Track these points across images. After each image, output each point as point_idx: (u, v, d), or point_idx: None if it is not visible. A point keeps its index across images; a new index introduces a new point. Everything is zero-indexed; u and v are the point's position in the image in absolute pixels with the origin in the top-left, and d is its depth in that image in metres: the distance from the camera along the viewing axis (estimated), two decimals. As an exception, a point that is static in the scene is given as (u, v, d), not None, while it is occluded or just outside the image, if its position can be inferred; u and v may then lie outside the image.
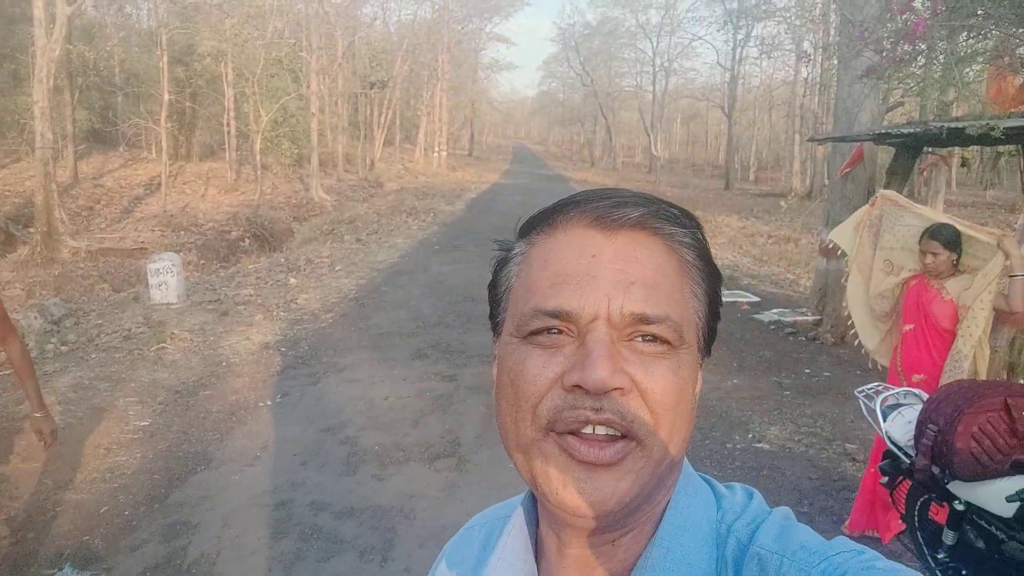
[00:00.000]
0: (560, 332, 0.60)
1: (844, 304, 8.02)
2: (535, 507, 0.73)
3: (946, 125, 5.98)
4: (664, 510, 0.64)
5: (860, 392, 3.52)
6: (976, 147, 8.32)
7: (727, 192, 32.68)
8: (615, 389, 0.57)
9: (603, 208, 0.62)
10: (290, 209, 20.29)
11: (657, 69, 45.62)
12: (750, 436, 5.24)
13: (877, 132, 7.40)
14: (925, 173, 9.06)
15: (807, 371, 6.94)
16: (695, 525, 0.63)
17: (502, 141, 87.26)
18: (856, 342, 4.37)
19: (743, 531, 0.62)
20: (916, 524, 3.27)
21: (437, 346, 7.28)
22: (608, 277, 0.60)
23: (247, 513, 4.03)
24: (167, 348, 7.03)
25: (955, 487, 2.87)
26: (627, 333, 0.59)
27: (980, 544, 2.87)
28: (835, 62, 10.15)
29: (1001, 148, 7.64)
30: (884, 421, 3.27)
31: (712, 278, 0.66)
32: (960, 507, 2.89)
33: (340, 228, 16.03)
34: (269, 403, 5.71)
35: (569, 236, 0.63)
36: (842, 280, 5.09)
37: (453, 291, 9.71)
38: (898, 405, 3.33)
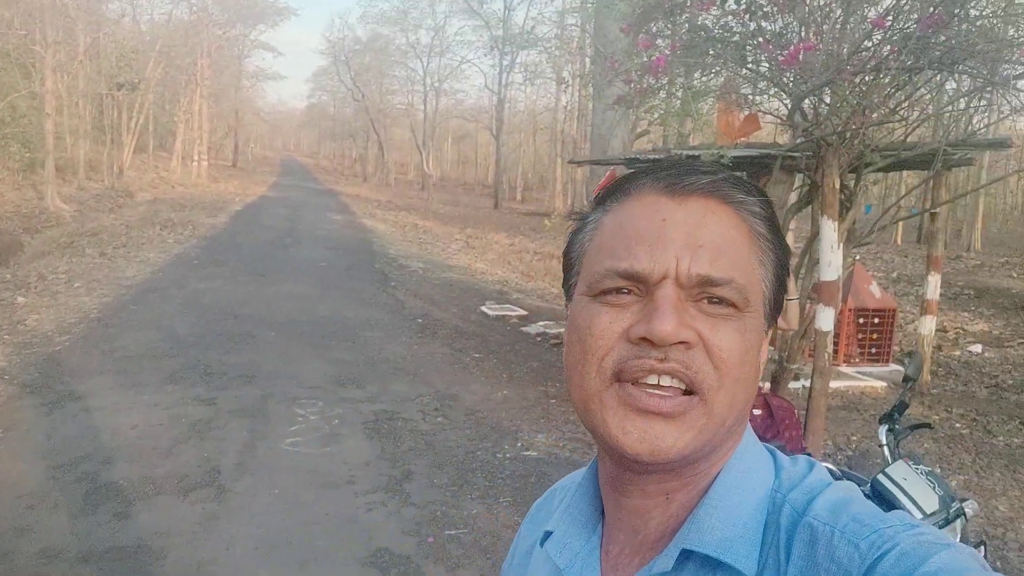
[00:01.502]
0: (629, 292, 0.62)
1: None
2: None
3: (684, 153, 6.63)
4: (721, 471, 0.65)
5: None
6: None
7: (496, 211, 33.82)
8: (681, 343, 0.59)
9: (674, 176, 0.65)
10: (19, 219, 17.92)
11: (428, 89, 46.25)
12: (519, 445, 5.40)
13: (627, 157, 8.04)
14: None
15: (570, 380, 7.30)
16: (747, 488, 0.64)
17: (269, 153, 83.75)
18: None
19: (799, 501, 0.62)
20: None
21: (195, 368, 6.75)
22: (677, 240, 0.62)
23: (-45, 571, 3.44)
24: None
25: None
26: (694, 294, 0.61)
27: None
28: (590, 91, 10.89)
29: (730, 175, 8.59)
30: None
31: (779, 249, 0.67)
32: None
33: (81, 241, 14.42)
34: (-13, 440, 4.95)
35: (641, 202, 0.65)
36: None
37: (213, 309, 9.08)
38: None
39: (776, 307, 0.68)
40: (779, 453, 0.70)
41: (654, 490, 0.66)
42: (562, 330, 9.19)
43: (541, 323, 9.71)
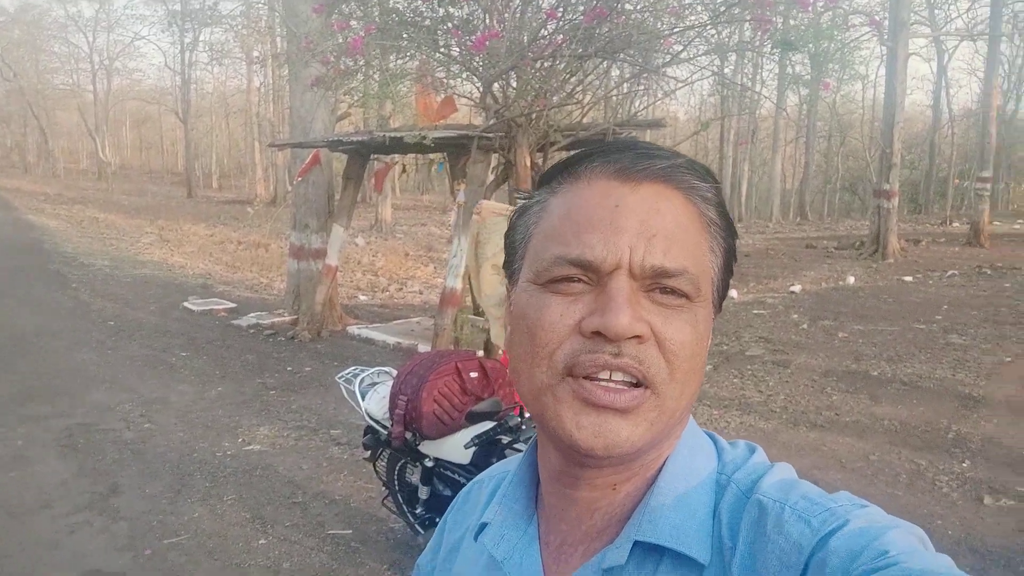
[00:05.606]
0: (580, 281, 0.60)
1: (317, 301, 8.46)
2: (536, 461, 0.73)
3: (388, 135, 6.74)
4: (667, 459, 0.65)
5: (340, 377, 3.79)
6: (414, 155, 9.53)
7: (191, 200, 31.46)
8: (634, 337, 0.58)
9: (627, 159, 0.62)
10: None
11: (96, 67, 41.48)
12: (240, 440, 5.19)
13: (330, 140, 7.96)
14: (384, 179, 10.03)
15: (289, 368, 7.14)
16: (694, 473, 0.64)
17: None
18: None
19: (744, 481, 0.63)
20: (396, 487, 3.66)
21: None
22: (631, 228, 0.60)
23: None
24: None
25: (425, 447, 3.30)
26: (647, 284, 0.60)
27: (448, 492, 3.35)
28: (286, 72, 10.58)
29: (433, 156, 8.90)
30: (363, 400, 3.57)
31: (729, 234, 0.66)
32: (430, 464, 3.32)
33: None
34: None
35: (592, 186, 0.62)
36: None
37: None
38: (375, 384, 3.68)
39: (723, 294, 0.67)
40: (719, 437, 0.70)
41: (602, 483, 0.65)
42: (275, 320, 8.96)
43: (253, 314, 9.31)
